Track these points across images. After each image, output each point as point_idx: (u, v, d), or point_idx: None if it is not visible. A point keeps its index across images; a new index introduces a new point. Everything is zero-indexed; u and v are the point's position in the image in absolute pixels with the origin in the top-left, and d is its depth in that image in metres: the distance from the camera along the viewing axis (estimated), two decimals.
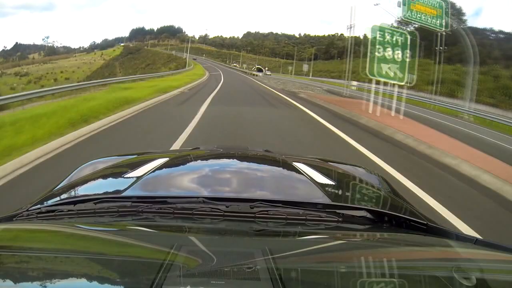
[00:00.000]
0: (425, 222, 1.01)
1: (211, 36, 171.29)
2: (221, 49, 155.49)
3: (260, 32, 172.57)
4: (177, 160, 1.53)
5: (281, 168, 1.47)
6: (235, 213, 0.93)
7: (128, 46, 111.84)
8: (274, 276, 0.58)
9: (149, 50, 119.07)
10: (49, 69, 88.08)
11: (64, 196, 1.15)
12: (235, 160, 1.63)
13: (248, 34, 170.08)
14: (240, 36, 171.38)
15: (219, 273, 0.63)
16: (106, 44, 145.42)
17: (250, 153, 1.87)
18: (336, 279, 0.68)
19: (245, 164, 1.55)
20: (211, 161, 1.62)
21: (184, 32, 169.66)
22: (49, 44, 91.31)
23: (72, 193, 1.17)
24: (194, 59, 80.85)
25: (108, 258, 0.73)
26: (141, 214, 0.95)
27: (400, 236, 0.97)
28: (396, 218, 1.03)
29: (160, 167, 1.30)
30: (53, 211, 0.99)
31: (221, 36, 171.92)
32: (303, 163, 1.45)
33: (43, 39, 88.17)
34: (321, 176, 1.26)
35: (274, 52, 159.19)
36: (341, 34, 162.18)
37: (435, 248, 0.89)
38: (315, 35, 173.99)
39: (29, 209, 1.04)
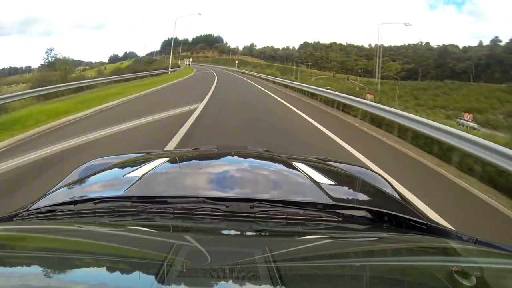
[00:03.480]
0: (425, 222, 1.01)
1: (258, 46, 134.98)
2: (272, 62, 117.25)
3: (321, 42, 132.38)
4: (177, 160, 1.51)
5: (281, 168, 1.45)
6: (235, 213, 0.92)
7: (141, 59, 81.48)
8: (274, 276, 0.58)
9: (163, 62, 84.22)
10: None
11: (64, 196, 1.15)
12: (235, 160, 1.61)
13: (305, 45, 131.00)
14: (296, 47, 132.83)
15: (219, 273, 0.63)
16: (127, 57, 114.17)
17: (250, 153, 1.86)
18: (336, 279, 0.67)
19: (245, 164, 1.54)
20: (211, 161, 1.63)
21: (226, 43, 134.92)
22: (49, 59, 52.62)
23: (72, 193, 1.17)
24: (187, 65, 67.06)
25: (108, 258, 0.73)
26: (141, 214, 0.94)
27: (400, 236, 0.96)
28: (396, 218, 1.03)
29: (160, 167, 1.29)
30: (53, 211, 0.99)
31: (271, 46, 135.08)
32: (303, 163, 1.45)
33: (45, 52, 55.97)
34: (321, 176, 1.26)
35: (345, 66, 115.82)
36: (427, 43, 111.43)
37: (435, 248, 0.88)
38: (391, 45, 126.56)
39: (29, 209, 1.04)
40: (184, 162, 1.53)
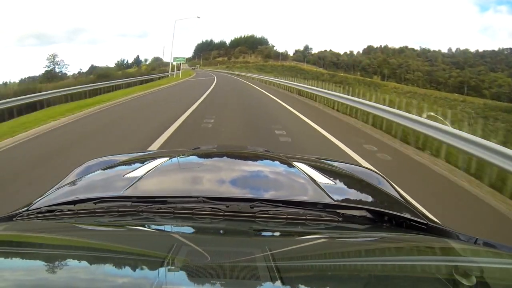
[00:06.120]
0: (425, 222, 1.00)
1: (314, 50, 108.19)
2: (334, 70, 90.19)
3: (389, 46, 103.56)
4: (177, 160, 1.50)
5: (281, 168, 1.44)
6: (235, 213, 0.93)
7: (149, 65, 60.52)
8: (274, 276, 0.58)
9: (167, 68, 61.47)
10: None
11: (64, 196, 1.14)
12: (235, 160, 1.61)
13: (369, 49, 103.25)
14: (356, 52, 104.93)
15: (219, 272, 0.64)
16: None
17: (250, 153, 1.85)
18: (336, 278, 0.67)
19: (245, 164, 1.54)
20: (211, 161, 1.61)
21: (271, 45, 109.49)
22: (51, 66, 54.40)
23: (72, 193, 1.16)
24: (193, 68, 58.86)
25: (108, 258, 0.73)
26: (141, 214, 0.94)
27: (400, 236, 0.96)
28: (396, 218, 1.03)
29: (160, 167, 1.29)
30: (53, 211, 0.99)
31: (330, 50, 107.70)
32: (303, 162, 1.44)
33: (47, 58, 55.43)
34: (321, 175, 1.25)
35: (434, 78, 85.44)
36: None
37: (435, 248, 0.88)
38: (479, 50, 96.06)
39: (29, 209, 1.03)
40: (184, 162, 1.51)
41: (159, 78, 32.35)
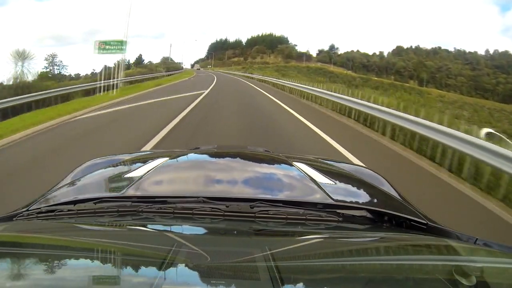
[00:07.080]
0: (425, 222, 1.01)
1: (340, 51, 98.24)
2: (364, 73, 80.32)
3: (420, 46, 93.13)
4: (177, 160, 1.51)
5: (281, 168, 1.44)
6: (235, 213, 0.92)
7: (145, 66, 52.52)
8: (274, 276, 0.58)
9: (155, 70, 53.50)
10: None
11: (64, 196, 1.14)
12: (235, 160, 1.61)
13: (399, 50, 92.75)
14: (384, 52, 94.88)
15: (219, 272, 0.64)
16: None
17: (250, 153, 1.85)
18: (336, 278, 0.67)
19: (245, 164, 1.54)
20: (211, 161, 1.62)
21: (292, 44, 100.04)
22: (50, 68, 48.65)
23: (72, 193, 1.16)
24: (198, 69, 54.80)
25: (108, 258, 0.73)
26: (141, 214, 0.95)
27: (400, 236, 0.96)
28: (396, 217, 1.03)
29: (160, 167, 1.29)
30: (53, 211, 0.99)
31: (357, 51, 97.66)
32: (303, 162, 1.44)
33: (45, 59, 48.97)
34: (321, 175, 1.25)
35: (480, 85, 74.56)
36: None
37: (435, 248, 0.88)
38: None
39: (29, 209, 1.04)
40: (184, 162, 1.51)
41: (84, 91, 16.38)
